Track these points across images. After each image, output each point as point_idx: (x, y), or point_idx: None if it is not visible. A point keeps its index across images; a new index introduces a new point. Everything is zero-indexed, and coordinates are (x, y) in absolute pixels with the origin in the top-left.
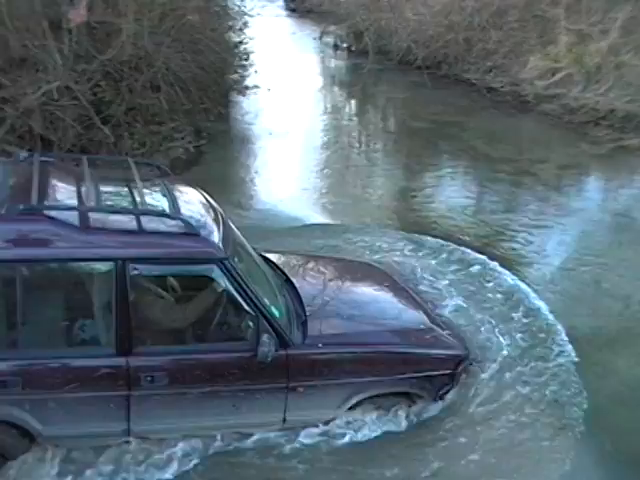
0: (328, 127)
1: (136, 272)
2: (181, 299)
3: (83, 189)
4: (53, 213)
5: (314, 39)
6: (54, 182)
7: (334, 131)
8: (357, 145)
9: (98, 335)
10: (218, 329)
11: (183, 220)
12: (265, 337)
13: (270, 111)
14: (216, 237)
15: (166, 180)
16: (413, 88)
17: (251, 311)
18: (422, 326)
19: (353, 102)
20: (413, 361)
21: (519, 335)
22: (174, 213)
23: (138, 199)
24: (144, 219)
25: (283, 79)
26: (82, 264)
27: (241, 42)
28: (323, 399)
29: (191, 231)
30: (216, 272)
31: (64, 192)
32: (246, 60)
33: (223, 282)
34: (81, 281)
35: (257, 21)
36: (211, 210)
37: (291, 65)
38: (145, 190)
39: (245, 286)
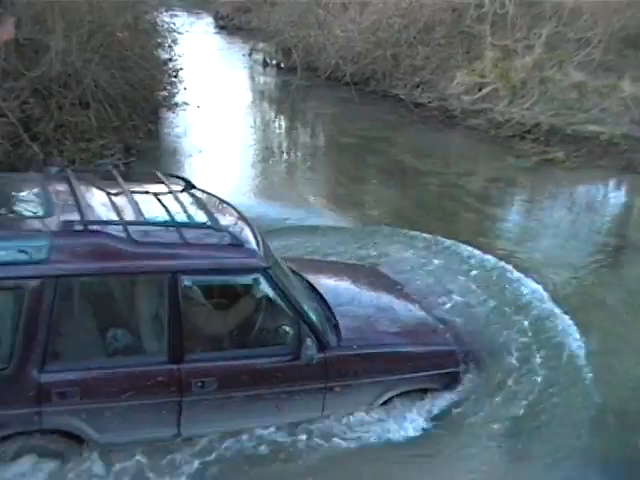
0: (258, 143)
1: (186, 283)
2: (225, 307)
3: (124, 203)
4: (107, 228)
5: (243, 56)
6: (96, 196)
7: (264, 147)
8: (287, 160)
9: (151, 344)
10: (261, 335)
11: (228, 232)
12: (309, 341)
13: (200, 127)
14: (258, 247)
15: (195, 192)
16: (341, 104)
17: (293, 316)
18: (441, 325)
19: (282, 118)
20: (438, 357)
21: None
22: (219, 225)
23: (178, 211)
24: (191, 232)
25: (213, 96)
26: (135, 276)
27: (170, 59)
28: (357, 397)
29: (236, 242)
30: (260, 281)
31: (108, 206)
32: (175, 77)
33: (267, 290)
34: (134, 293)
35: (186, 38)
36: (244, 220)
37: (220, 82)
38: (181, 203)
39: (287, 293)
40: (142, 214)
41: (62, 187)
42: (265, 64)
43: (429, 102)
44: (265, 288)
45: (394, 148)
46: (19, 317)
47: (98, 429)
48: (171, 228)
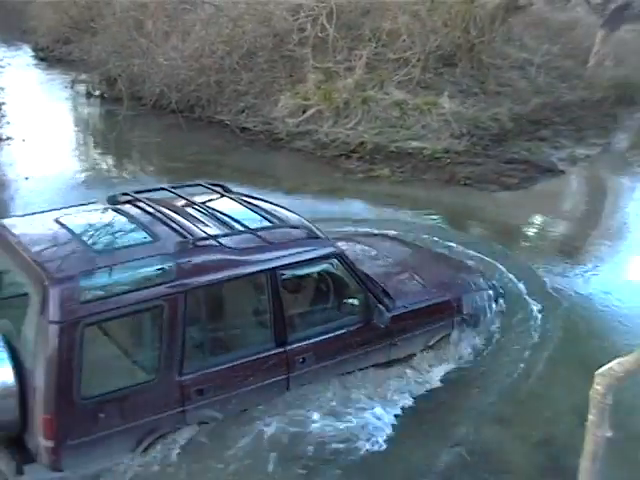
0: (86, 172)
1: (283, 277)
2: (310, 291)
3: (202, 216)
4: (211, 242)
5: (66, 87)
6: (176, 214)
7: (92, 175)
8: (115, 185)
9: (262, 334)
10: (340, 309)
11: (307, 227)
12: (381, 307)
13: (26, 160)
14: (326, 236)
15: (244, 196)
16: (169, 131)
17: (362, 289)
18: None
19: (110, 148)
20: (457, 305)
21: None
22: (293, 223)
23: (250, 216)
24: (275, 232)
25: (37, 129)
26: (243, 279)
27: None
28: (412, 347)
29: (312, 235)
30: (337, 264)
31: (193, 221)
32: None
33: (342, 271)
34: (242, 293)
35: (7, 71)
36: (296, 214)
37: (45, 114)
38: (246, 207)
39: (356, 270)
40: (226, 224)
41: (138, 211)
42: (89, 95)
43: (254, 126)
44: (341, 269)
45: (223, 170)
46: (161, 331)
47: (227, 415)
48: (260, 232)
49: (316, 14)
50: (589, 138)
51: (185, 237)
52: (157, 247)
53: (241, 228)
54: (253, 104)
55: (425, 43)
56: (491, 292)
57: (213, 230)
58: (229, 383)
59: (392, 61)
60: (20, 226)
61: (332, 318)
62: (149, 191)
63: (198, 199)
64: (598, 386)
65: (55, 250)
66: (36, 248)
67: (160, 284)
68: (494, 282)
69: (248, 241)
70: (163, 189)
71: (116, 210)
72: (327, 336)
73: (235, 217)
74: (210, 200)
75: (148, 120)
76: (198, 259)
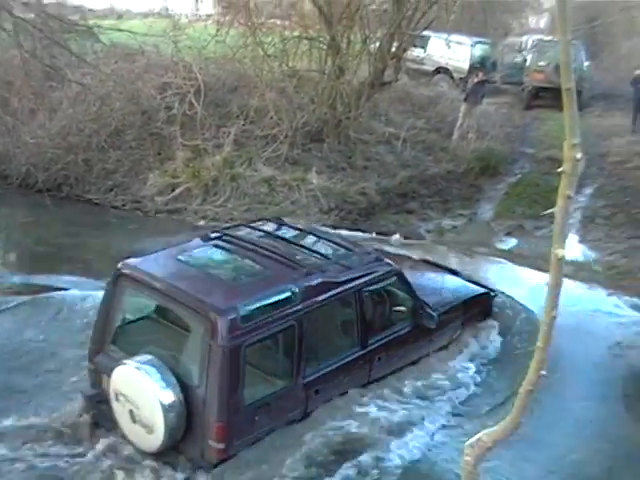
0: None
1: (365, 294)
2: (378, 303)
3: (289, 248)
4: (319, 269)
5: None
6: (270, 247)
7: None
8: None
9: (351, 340)
10: (398, 315)
11: (373, 252)
12: (430, 311)
13: None
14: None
15: (298, 226)
16: (36, 211)
17: (413, 298)
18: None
19: None
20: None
21: None
22: (364, 249)
23: (330, 245)
24: (356, 257)
25: None
26: (341, 298)
27: None
28: (443, 341)
29: (379, 258)
30: (397, 280)
31: (289, 251)
32: None
33: (400, 285)
34: (338, 308)
35: None
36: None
37: None
38: (319, 238)
39: (409, 283)
40: (314, 253)
41: (233, 246)
42: None
43: (123, 205)
44: (399, 284)
45: (91, 246)
46: (293, 345)
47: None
48: (344, 259)
49: (184, 92)
50: (455, 209)
51: (294, 267)
52: (278, 277)
53: (330, 257)
54: (122, 182)
55: (292, 119)
56: (488, 295)
57: (310, 259)
58: (334, 382)
59: (260, 138)
60: (149, 265)
61: (394, 323)
62: (230, 228)
63: (272, 232)
64: (468, 457)
65: (200, 284)
66: (183, 284)
67: (291, 307)
68: (489, 286)
69: (338, 266)
70: (241, 225)
71: (216, 246)
72: (392, 337)
73: (316, 247)
74: (282, 232)
75: (14, 200)
76: (312, 284)
